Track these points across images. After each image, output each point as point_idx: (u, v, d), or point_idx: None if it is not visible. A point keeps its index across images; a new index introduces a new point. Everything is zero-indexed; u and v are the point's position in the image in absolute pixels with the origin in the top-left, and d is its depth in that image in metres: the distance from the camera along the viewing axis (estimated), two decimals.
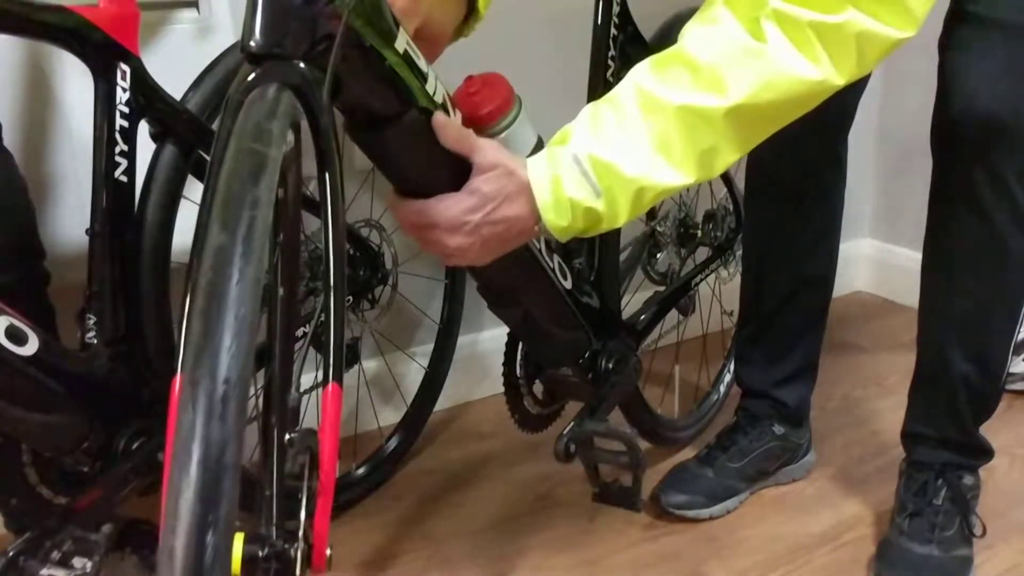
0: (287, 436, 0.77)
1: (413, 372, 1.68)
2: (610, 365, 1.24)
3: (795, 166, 1.38)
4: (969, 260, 1.26)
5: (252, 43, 0.75)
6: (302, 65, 0.76)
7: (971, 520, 1.34)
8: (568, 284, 1.15)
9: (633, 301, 1.49)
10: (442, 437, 1.72)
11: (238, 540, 0.66)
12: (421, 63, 0.89)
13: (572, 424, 1.14)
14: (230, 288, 0.58)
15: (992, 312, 1.29)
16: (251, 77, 0.73)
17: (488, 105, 1.00)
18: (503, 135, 1.02)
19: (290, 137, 0.70)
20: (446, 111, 0.93)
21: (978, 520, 1.34)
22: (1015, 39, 1.12)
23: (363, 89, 0.85)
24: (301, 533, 0.77)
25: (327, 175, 0.75)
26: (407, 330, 1.72)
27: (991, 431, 1.40)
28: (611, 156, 0.91)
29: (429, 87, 0.90)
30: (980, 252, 1.24)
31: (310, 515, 0.78)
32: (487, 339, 1.78)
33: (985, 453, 1.38)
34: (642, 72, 0.95)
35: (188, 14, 1.37)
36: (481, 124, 1.01)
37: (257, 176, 0.63)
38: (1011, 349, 1.33)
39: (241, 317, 0.57)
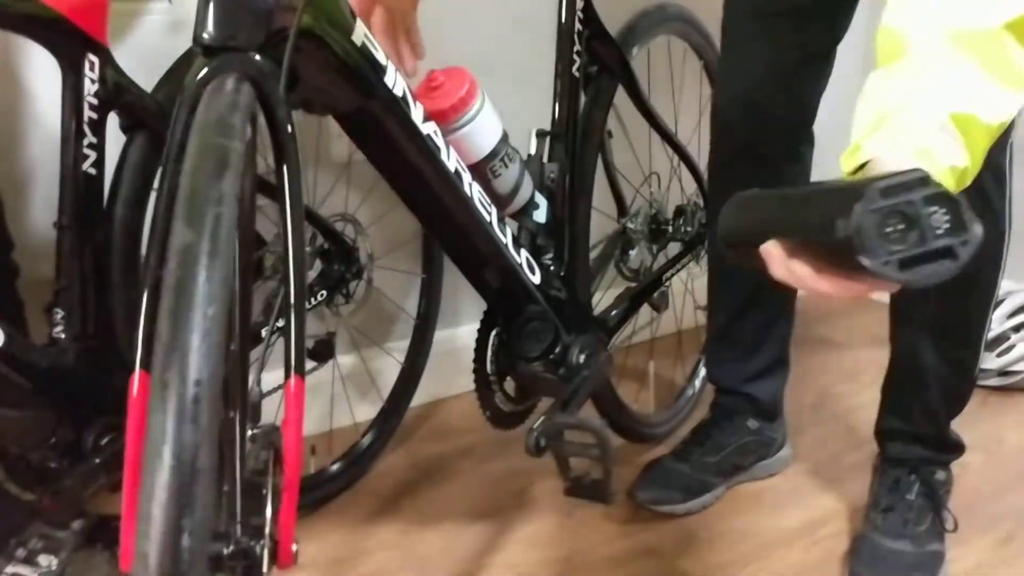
0: (250, 432, 0.77)
1: (389, 367, 1.67)
2: (581, 359, 1.23)
3: (756, 161, 1.37)
4: None
5: (206, 35, 0.74)
6: (258, 57, 0.75)
7: (943, 515, 1.35)
8: (536, 279, 1.15)
9: (607, 297, 1.49)
10: (419, 433, 1.71)
11: None
12: (379, 56, 0.89)
13: (543, 418, 1.14)
14: (198, 287, 0.57)
15: (965, 310, 1.29)
16: (206, 69, 0.72)
17: (451, 98, 1.00)
18: (467, 127, 1.02)
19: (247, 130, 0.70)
20: (406, 105, 0.92)
21: (950, 515, 1.35)
22: None
23: (320, 82, 0.84)
24: (267, 530, 0.76)
25: (285, 168, 0.74)
26: (383, 325, 1.71)
27: (964, 427, 1.41)
28: (965, 107, 0.77)
29: (388, 80, 0.89)
30: None
31: (276, 511, 0.77)
32: (464, 334, 1.77)
33: (957, 448, 1.39)
34: (928, 14, 0.79)
35: (159, 5, 1.35)
36: (445, 118, 1.00)
37: (222, 171, 0.63)
38: (983, 345, 1.34)
39: (210, 316, 0.57)
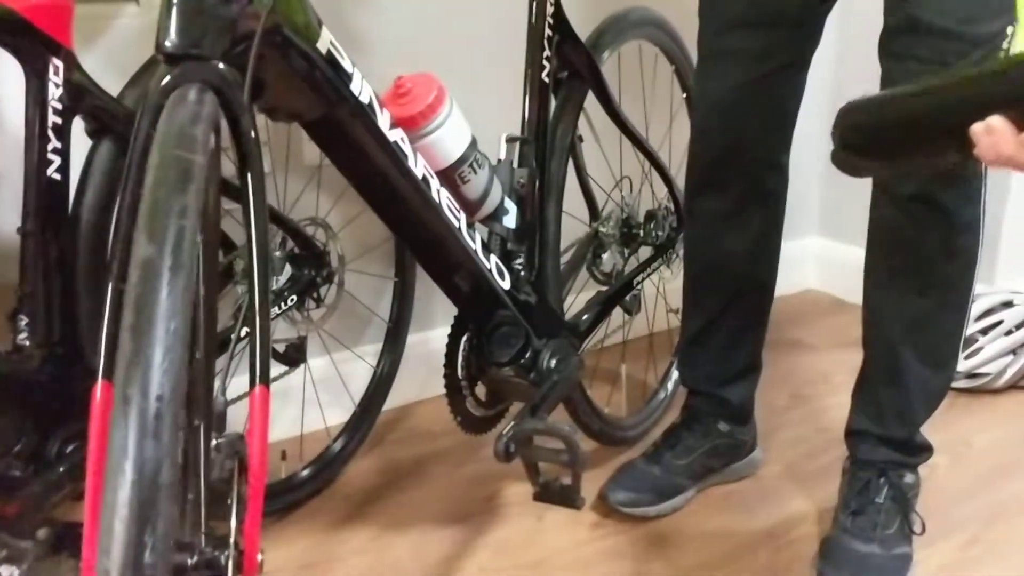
0: (214, 441, 0.76)
1: (362, 371, 1.67)
2: (552, 364, 1.24)
3: (738, 170, 1.39)
4: (918, 257, 1.28)
5: (168, 43, 0.73)
6: (221, 66, 0.75)
7: (911, 518, 1.36)
8: (506, 284, 1.15)
9: (579, 300, 1.50)
10: (391, 437, 1.71)
11: None
12: (345, 63, 0.88)
13: (512, 423, 1.14)
14: (159, 301, 0.57)
15: (944, 312, 1.31)
16: (168, 78, 0.71)
17: (419, 104, 0.99)
18: (435, 134, 1.02)
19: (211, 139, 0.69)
20: (373, 112, 0.92)
21: (918, 518, 1.36)
22: (942, 42, 1.13)
23: (285, 90, 0.84)
24: (232, 539, 0.75)
25: (249, 177, 0.74)
26: (355, 329, 1.71)
27: (933, 429, 1.42)
28: None
29: (354, 87, 0.89)
30: (929, 249, 1.26)
31: (241, 521, 0.77)
32: (438, 337, 1.76)
33: (926, 451, 1.41)
34: None
35: (127, 8, 1.34)
36: (413, 125, 1.00)
37: (184, 184, 0.62)
38: (960, 347, 1.36)
39: (172, 331, 0.57)
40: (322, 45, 0.84)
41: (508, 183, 1.22)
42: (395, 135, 0.96)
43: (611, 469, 1.52)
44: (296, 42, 0.82)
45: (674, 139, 1.69)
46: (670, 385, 1.75)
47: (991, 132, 0.69)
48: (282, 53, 0.81)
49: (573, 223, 1.47)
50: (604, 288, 1.54)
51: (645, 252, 1.61)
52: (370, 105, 0.92)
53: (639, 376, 1.81)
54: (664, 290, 1.71)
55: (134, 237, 0.59)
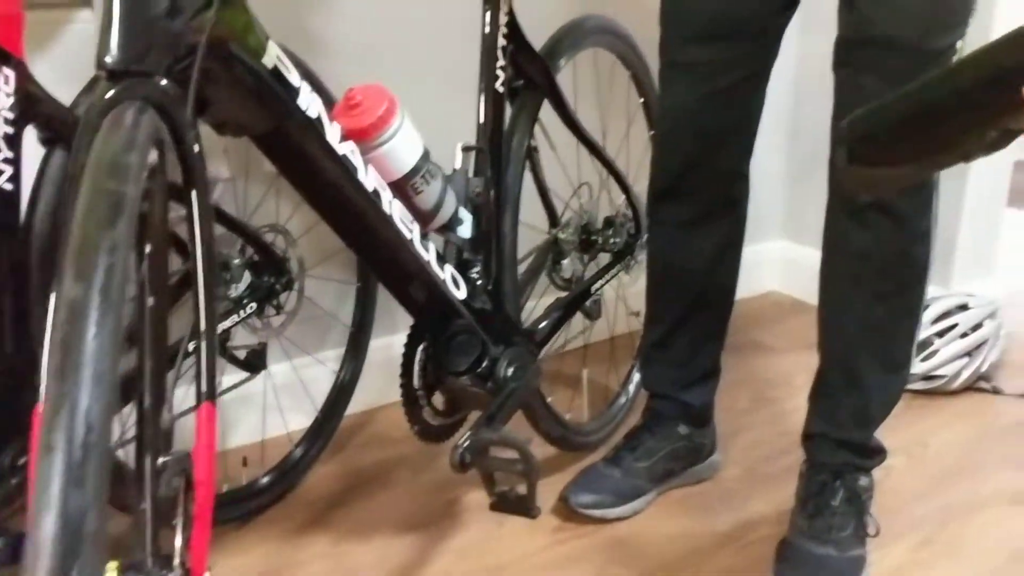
0: (160, 459, 0.76)
1: (324, 377, 1.66)
2: (509, 372, 1.24)
3: (701, 179, 1.40)
4: (874, 266, 1.30)
5: (109, 58, 0.72)
6: (164, 82, 0.74)
7: (866, 520, 1.38)
8: (462, 294, 1.16)
9: (540, 304, 1.50)
10: (353, 442, 1.71)
11: (112, 570, 0.65)
12: (292, 78, 0.88)
13: (468, 434, 1.15)
14: (86, 343, 0.55)
15: (898, 318, 1.34)
16: (109, 95, 0.71)
17: (370, 116, 0.99)
18: (387, 145, 1.02)
19: (154, 154, 0.69)
20: (321, 126, 0.92)
21: (873, 520, 1.38)
22: (895, 55, 1.15)
23: (231, 105, 0.84)
24: (178, 559, 0.75)
25: (194, 194, 0.74)
26: (317, 334, 1.71)
27: (889, 430, 1.44)
28: None
29: (302, 102, 0.89)
30: (884, 258, 1.28)
31: (187, 539, 0.77)
32: (401, 342, 1.77)
33: (880, 453, 1.43)
34: None
35: (81, 14, 1.33)
36: (365, 136, 1.00)
37: (114, 218, 0.60)
38: (914, 348, 1.38)
39: (99, 375, 0.55)
40: (268, 60, 0.84)
41: (463, 193, 1.22)
42: (345, 148, 0.96)
43: (574, 472, 1.53)
44: (241, 57, 0.82)
45: (631, 145, 1.70)
46: (631, 388, 1.76)
47: None
48: (227, 68, 0.81)
49: (533, 230, 1.48)
50: (564, 294, 1.55)
51: (605, 258, 1.62)
52: (318, 119, 0.92)
53: (601, 380, 1.82)
54: (625, 293, 1.72)
55: (61, 272, 0.57)
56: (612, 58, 1.61)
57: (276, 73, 0.85)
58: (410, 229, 1.07)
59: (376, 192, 1.01)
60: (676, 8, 1.34)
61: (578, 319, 1.56)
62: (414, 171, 1.09)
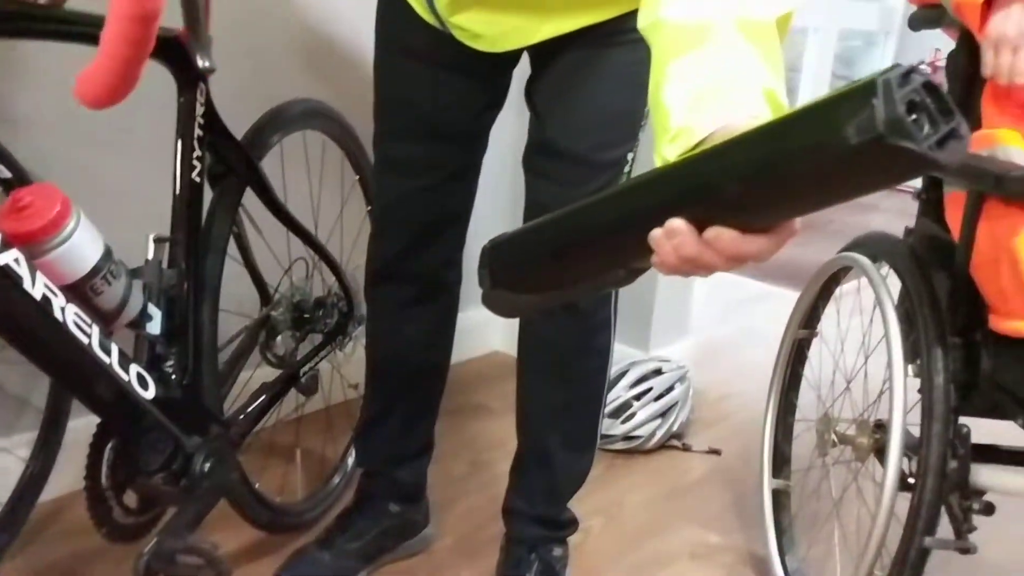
0: None
1: (12, 466, 1.54)
2: (204, 468, 1.21)
3: (415, 267, 1.44)
4: (560, 356, 1.38)
5: None
6: None
7: None
8: (150, 394, 1.12)
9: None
10: (48, 532, 1.59)
11: None
12: None
13: (154, 541, 1.11)
14: None
15: (583, 402, 1.43)
16: None
17: (42, 219, 0.95)
18: (61, 248, 0.98)
19: None
20: None
21: None
22: (568, 165, 1.25)
23: None
24: None
25: None
26: (4, 420, 1.58)
27: (590, 491, 1.54)
28: (769, 84, 0.77)
29: None
30: (568, 348, 1.37)
31: None
32: None
33: (572, 524, 1.53)
34: (716, 8, 0.80)
35: None
36: (34, 240, 0.95)
37: None
38: (599, 429, 1.48)
39: None
40: None
41: (156, 285, 1.18)
42: (7, 257, 0.91)
43: (290, 550, 1.52)
44: None
45: (350, 220, 1.72)
46: (350, 462, 1.76)
47: (672, 235, 0.66)
48: None
49: (239, 310, 1.46)
50: (279, 371, 1.53)
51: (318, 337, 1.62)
52: None
53: (318, 451, 1.81)
54: (341, 368, 1.73)
55: None
56: (323, 138, 1.62)
57: None
58: (88, 333, 1.02)
59: (46, 299, 0.96)
60: (386, 106, 1.38)
61: (293, 391, 1.56)
62: (93, 272, 1.04)
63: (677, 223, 0.66)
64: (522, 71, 1.32)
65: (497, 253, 0.82)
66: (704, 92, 0.75)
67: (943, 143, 0.58)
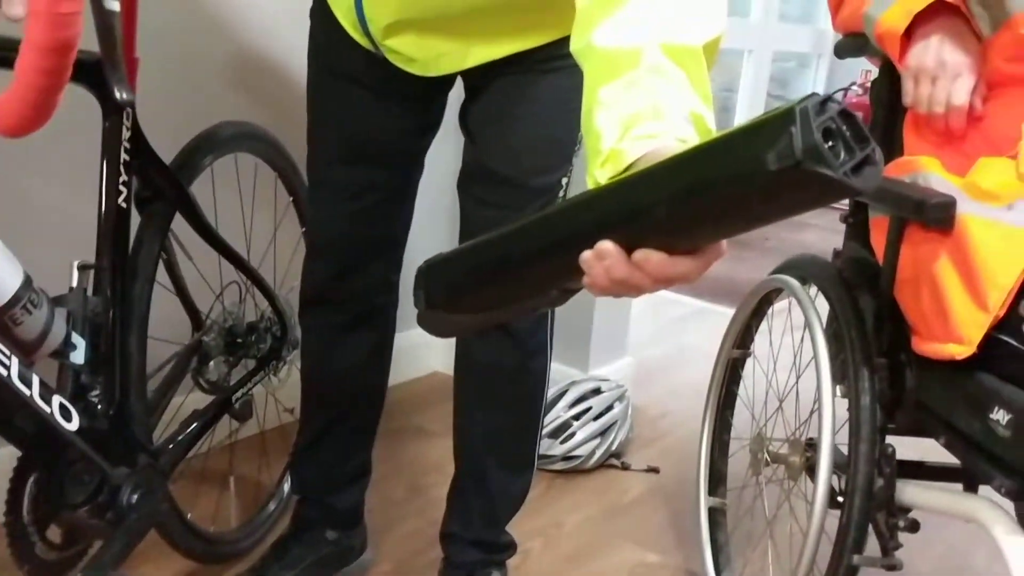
0: None
1: None
2: (132, 499, 1.18)
3: (349, 290, 1.43)
4: (496, 379, 1.38)
5: None
6: None
7: None
8: (73, 425, 1.09)
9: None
10: None
11: None
12: None
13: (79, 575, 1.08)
14: None
15: (520, 426, 1.43)
16: None
17: None
18: None
19: None
20: None
21: None
22: (503, 189, 1.26)
23: None
24: None
25: None
26: None
27: (529, 512, 1.54)
28: (696, 109, 0.79)
29: None
30: (505, 371, 1.37)
31: None
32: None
33: (511, 547, 1.53)
34: (644, 34, 0.81)
35: None
36: None
37: None
38: (537, 451, 1.48)
39: None
40: None
41: (81, 313, 1.16)
42: None
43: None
44: None
45: (285, 242, 1.70)
46: (286, 488, 1.74)
47: (602, 257, 0.68)
48: None
49: (169, 334, 1.43)
50: (212, 397, 1.51)
51: (252, 362, 1.60)
52: None
53: (253, 477, 1.78)
54: (276, 392, 1.71)
55: None
56: (257, 161, 1.60)
57: None
58: (6, 364, 0.99)
59: None
60: (319, 128, 1.37)
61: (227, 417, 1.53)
62: (13, 302, 1.01)
63: (607, 245, 0.68)
64: (458, 94, 1.33)
65: (431, 274, 0.83)
66: (634, 117, 0.76)
67: (858, 169, 0.59)
